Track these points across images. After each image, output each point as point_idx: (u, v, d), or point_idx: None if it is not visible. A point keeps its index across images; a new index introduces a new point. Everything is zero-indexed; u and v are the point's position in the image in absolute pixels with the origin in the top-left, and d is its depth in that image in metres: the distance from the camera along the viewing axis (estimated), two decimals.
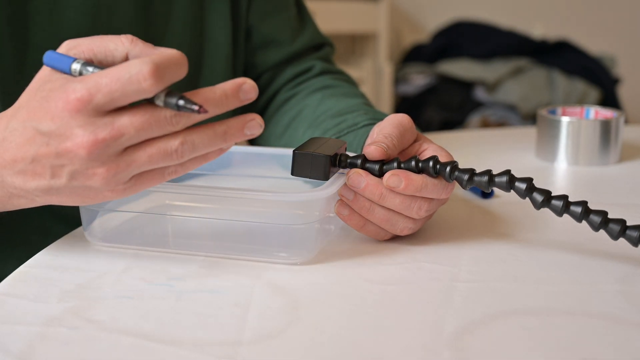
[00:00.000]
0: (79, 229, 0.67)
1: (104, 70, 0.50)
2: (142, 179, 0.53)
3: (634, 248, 0.60)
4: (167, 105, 0.50)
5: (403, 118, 0.64)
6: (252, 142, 0.97)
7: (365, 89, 2.65)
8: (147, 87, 0.48)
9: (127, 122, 0.49)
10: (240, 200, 0.61)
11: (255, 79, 0.93)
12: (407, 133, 0.64)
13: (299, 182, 0.73)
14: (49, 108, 0.50)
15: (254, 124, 0.52)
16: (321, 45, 0.96)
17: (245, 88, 0.52)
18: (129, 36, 0.53)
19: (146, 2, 0.80)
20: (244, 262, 0.61)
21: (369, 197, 0.61)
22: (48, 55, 0.53)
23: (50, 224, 0.77)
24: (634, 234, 0.58)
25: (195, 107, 0.49)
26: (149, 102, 0.50)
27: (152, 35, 0.81)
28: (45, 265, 0.60)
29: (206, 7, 0.85)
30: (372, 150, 0.61)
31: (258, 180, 0.77)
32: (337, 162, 0.62)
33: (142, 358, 0.47)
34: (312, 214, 0.60)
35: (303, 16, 0.95)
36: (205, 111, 0.50)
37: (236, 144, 0.95)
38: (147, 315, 0.52)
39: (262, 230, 0.64)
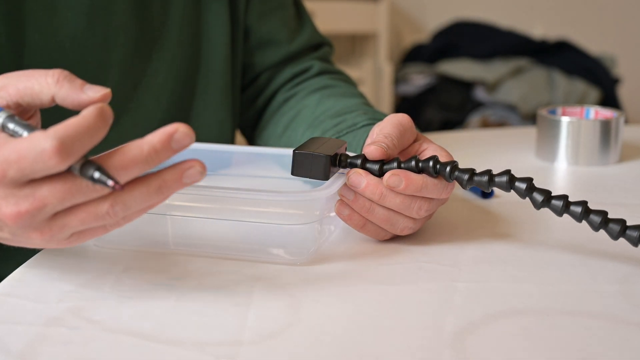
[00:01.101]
0: None
1: (14, 143, 0.47)
2: (84, 234, 0.51)
3: (634, 248, 0.60)
4: (84, 176, 0.47)
5: (403, 118, 0.64)
6: (251, 143, 0.97)
7: (365, 89, 2.65)
8: (53, 165, 0.46)
9: (48, 193, 0.47)
10: (240, 200, 0.61)
11: (253, 79, 0.93)
12: (406, 133, 0.64)
13: (299, 182, 0.73)
14: None
15: (193, 172, 0.49)
16: (320, 45, 0.96)
17: (177, 137, 0.47)
18: (57, 75, 0.51)
19: (143, 2, 0.80)
20: (244, 262, 0.61)
21: (369, 197, 0.61)
22: None
23: None
24: (634, 234, 0.58)
25: (110, 183, 0.47)
26: (69, 171, 0.48)
27: (148, 37, 0.81)
28: (45, 265, 0.60)
29: (204, 7, 0.85)
30: (372, 150, 0.61)
31: (258, 180, 0.77)
32: (337, 162, 0.62)
33: (142, 358, 0.47)
34: (312, 214, 0.60)
35: (301, 16, 0.95)
36: (121, 188, 0.47)
37: (236, 144, 0.95)
38: (147, 315, 0.52)
39: (262, 230, 0.64)
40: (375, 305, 0.54)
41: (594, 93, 2.55)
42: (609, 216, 0.59)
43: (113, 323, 0.51)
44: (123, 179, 0.48)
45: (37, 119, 0.55)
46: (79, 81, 0.51)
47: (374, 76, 2.75)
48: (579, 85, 2.56)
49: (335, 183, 0.61)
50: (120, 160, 0.47)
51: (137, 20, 0.80)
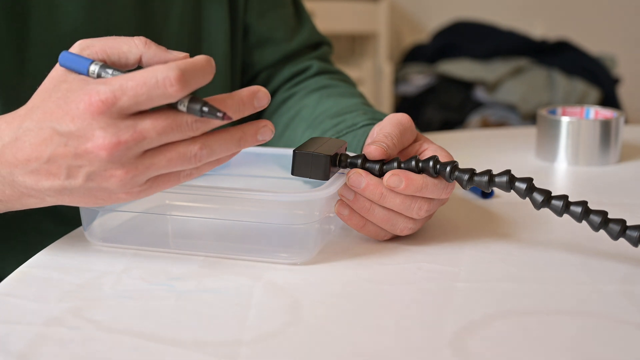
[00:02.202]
0: (79, 229, 0.67)
1: (129, 73, 0.50)
2: (158, 181, 0.53)
3: (634, 248, 0.60)
4: (190, 111, 0.51)
5: (403, 117, 0.64)
6: None
7: (365, 89, 2.65)
8: (172, 92, 0.49)
9: (150, 126, 0.50)
10: (240, 200, 0.61)
11: (252, 78, 0.93)
12: (406, 132, 0.64)
13: (299, 182, 0.73)
14: (68, 109, 0.51)
15: (266, 130, 0.54)
16: (319, 44, 0.96)
17: (260, 96, 0.54)
18: (142, 38, 0.53)
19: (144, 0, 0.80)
20: (244, 262, 0.61)
21: (369, 197, 0.61)
22: (64, 56, 0.53)
23: (48, 225, 0.77)
24: (634, 234, 0.58)
25: (220, 114, 0.50)
26: (170, 107, 0.51)
27: (149, 33, 0.81)
28: (45, 265, 0.60)
29: (203, 5, 0.85)
30: (372, 149, 0.61)
31: (258, 180, 0.77)
32: (337, 162, 0.62)
33: (142, 358, 0.47)
34: (312, 214, 0.60)
35: (300, 15, 0.95)
36: (230, 118, 0.51)
37: None
38: (147, 315, 0.52)
39: (262, 230, 0.64)
40: (375, 305, 0.54)
41: (594, 93, 2.55)
42: (609, 216, 0.59)
43: (113, 323, 0.51)
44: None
45: None
46: (161, 46, 0.54)
47: (374, 76, 2.75)
48: (579, 85, 2.56)
49: (335, 183, 0.61)
50: (215, 103, 0.51)
51: (138, 16, 0.80)
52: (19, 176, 0.54)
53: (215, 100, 0.52)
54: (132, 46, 0.53)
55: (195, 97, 0.51)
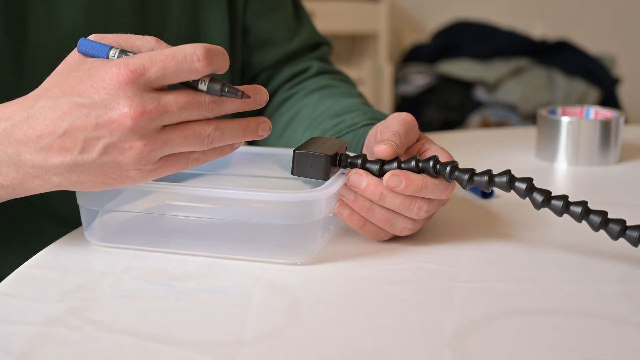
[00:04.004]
0: (79, 229, 0.67)
1: (159, 49, 0.54)
2: (169, 162, 0.55)
3: (634, 248, 0.60)
4: (209, 90, 0.53)
5: (407, 116, 0.64)
6: (251, 143, 0.97)
7: (365, 89, 2.65)
8: (199, 67, 0.52)
9: (172, 100, 0.52)
10: (240, 200, 0.61)
11: (252, 79, 0.93)
12: (411, 131, 0.64)
13: (299, 182, 0.73)
14: (92, 82, 0.52)
15: (265, 126, 0.57)
16: (318, 45, 0.96)
17: (261, 92, 0.57)
18: (154, 37, 0.56)
19: (142, 1, 0.80)
20: (244, 262, 0.61)
21: (369, 197, 0.61)
22: (83, 43, 0.55)
23: (46, 225, 0.77)
24: (634, 234, 0.58)
25: (239, 93, 0.54)
26: (189, 87, 0.54)
27: (147, 34, 0.81)
28: (45, 265, 0.60)
29: (202, 6, 0.85)
30: (382, 149, 0.61)
31: (258, 180, 0.77)
32: (338, 162, 0.62)
33: (142, 358, 0.47)
34: (312, 214, 0.60)
35: (300, 15, 0.95)
36: (248, 97, 0.54)
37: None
38: (147, 315, 0.52)
39: (262, 230, 0.64)
40: (375, 305, 0.54)
41: (594, 93, 2.55)
42: (609, 216, 0.59)
43: (113, 323, 0.51)
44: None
45: None
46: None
47: (374, 76, 2.75)
48: (579, 85, 2.56)
49: (335, 183, 0.61)
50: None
51: (136, 18, 0.80)
52: (26, 154, 0.54)
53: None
54: (144, 42, 0.55)
55: (215, 78, 0.54)
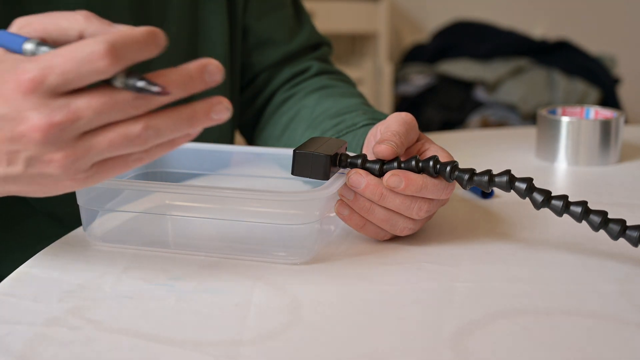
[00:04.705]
0: (79, 229, 0.67)
1: (57, 49, 0.46)
2: (105, 167, 0.49)
3: (634, 248, 0.60)
4: (127, 87, 0.46)
5: (407, 116, 0.64)
6: (251, 143, 0.97)
7: (365, 89, 2.65)
8: (103, 67, 0.45)
9: (85, 105, 0.46)
10: (240, 200, 0.61)
11: (252, 79, 0.93)
12: (411, 131, 0.64)
13: (299, 182, 0.73)
14: (1, 90, 0.47)
15: (221, 108, 0.49)
16: (318, 45, 0.96)
17: (210, 69, 0.48)
18: (84, 12, 0.49)
19: (141, 1, 0.80)
20: (244, 262, 0.61)
21: (369, 197, 0.61)
22: (0, 36, 0.49)
23: (45, 226, 0.77)
24: (634, 234, 0.58)
25: (156, 89, 0.46)
26: (108, 84, 0.47)
27: None
28: (45, 265, 0.60)
29: (201, 6, 0.85)
30: (383, 149, 0.61)
31: (258, 180, 0.77)
32: (338, 162, 0.62)
33: (142, 358, 0.47)
34: (312, 214, 0.60)
35: (300, 15, 0.95)
36: (167, 93, 0.47)
37: (234, 143, 0.94)
38: (147, 315, 0.52)
39: (262, 230, 0.64)
40: (375, 305, 0.54)
41: (594, 93, 2.55)
42: (609, 216, 0.59)
43: (113, 323, 0.51)
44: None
45: None
46: (105, 20, 0.50)
47: (374, 76, 2.75)
48: (579, 85, 2.56)
49: (335, 183, 0.61)
50: (157, 78, 0.47)
51: (135, 18, 0.79)
52: None
53: (158, 75, 0.47)
54: (72, 22, 0.49)
55: (133, 72, 0.47)
